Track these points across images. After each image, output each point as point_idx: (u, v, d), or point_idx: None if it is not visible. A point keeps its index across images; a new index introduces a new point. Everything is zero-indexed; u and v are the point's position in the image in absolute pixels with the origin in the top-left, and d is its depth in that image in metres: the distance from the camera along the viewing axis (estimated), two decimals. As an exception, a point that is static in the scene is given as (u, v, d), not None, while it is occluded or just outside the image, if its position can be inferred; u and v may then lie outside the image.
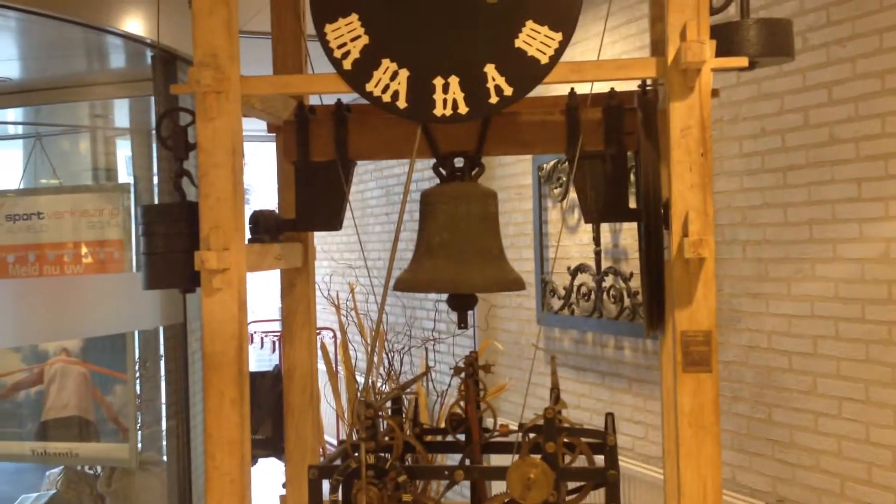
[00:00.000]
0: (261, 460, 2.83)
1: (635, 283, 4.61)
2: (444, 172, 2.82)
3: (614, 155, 2.74)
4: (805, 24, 3.45)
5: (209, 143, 2.46)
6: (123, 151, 5.26)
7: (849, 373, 3.34)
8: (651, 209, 2.47)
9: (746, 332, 3.81)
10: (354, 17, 2.52)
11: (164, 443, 4.48)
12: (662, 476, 3.96)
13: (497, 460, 2.40)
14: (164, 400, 4.43)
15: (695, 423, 2.13)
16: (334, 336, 7.88)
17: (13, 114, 5.38)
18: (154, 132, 4.50)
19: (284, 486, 6.53)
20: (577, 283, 5.06)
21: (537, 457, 2.17)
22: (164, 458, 4.49)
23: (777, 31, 2.59)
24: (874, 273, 3.20)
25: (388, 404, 2.62)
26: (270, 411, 3.03)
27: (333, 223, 2.80)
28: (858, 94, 3.24)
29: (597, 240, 4.86)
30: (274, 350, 10.67)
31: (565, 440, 2.29)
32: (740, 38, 2.54)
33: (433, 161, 2.85)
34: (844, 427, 3.38)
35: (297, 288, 3.06)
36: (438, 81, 2.51)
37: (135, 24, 3.64)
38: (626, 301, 4.64)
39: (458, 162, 2.82)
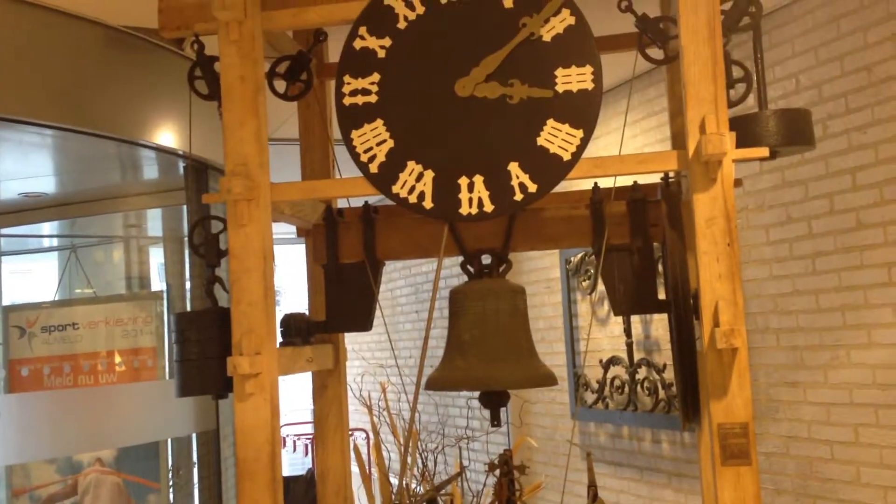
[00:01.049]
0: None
1: (669, 375, 4.56)
2: (471, 270, 2.84)
3: (641, 247, 2.75)
4: (825, 112, 3.49)
5: (240, 250, 2.51)
6: (156, 259, 5.34)
7: (892, 461, 3.25)
8: (680, 300, 2.47)
9: (785, 421, 3.74)
10: (380, 122, 2.60)
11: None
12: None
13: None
14: (198, 506, 4.38)
15: (737, 518, 2.09)
16: (367, 437, 7.81)
17: (49, 227, 5.50)
18: (186, 239, 4.58)
19: None
20: (609, 375, 5.01)
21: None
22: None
23: (796, 120, 2.62)
24: (912, 357, 3.16)
25: (423, 507, 2.59)
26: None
27: (364, 324, 2.82)
28: (883, 178, 3.25)
29: (628, 331, 4.83)
30: (307, 453, 10.56)
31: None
32: (760, 128, 2.57)
33: (461, 258, 2.89)
34: (893, 518, 3.28)
35: (328, 390, 3.06)
36: (463, 181, 2.56)
37: (167, 136, 3.76)
38: (661, 393, 4.58)
39: (486, 259, 2.85)
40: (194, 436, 4.19)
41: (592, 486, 2.45)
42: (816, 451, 3.57)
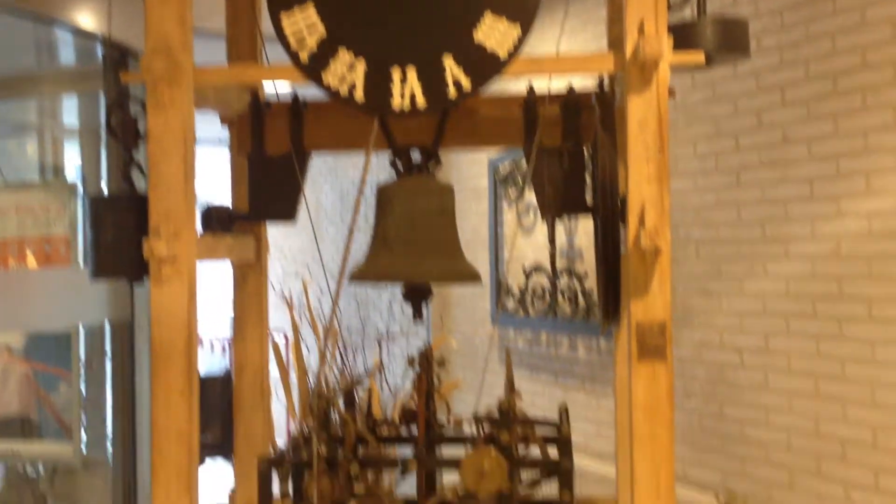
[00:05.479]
0: (208, 461, 2.76)
1: (590, 284, 4.63)
2: (400, 166, 2.80)
3: (571, 150, 2.74)
4: (759, 27, 3.50)
5: (160, 132, 2.42)
6: (71, 154, 5.17)
7: (799, 368, 3.38)
8: (608, 203, 2.47)
9: (699, 329, 3.84)
10: (311, 7, 2.50)
11: (109, 443, 4.39)
12: (614, 471, 3.98)
13: (450, 453, 2.39)
14: (109, 400, 4.34)
15: (649, 412, 2.14)
16: (286, 339, 7.80)
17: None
18: (102, 130, 4.43)
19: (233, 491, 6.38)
20: (532, 283, 5.07)
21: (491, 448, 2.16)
22: (109, 458, 4.40)
23: (733, 29, 2.62)
24: (825, 270, 3.25)
25: (341, 398, 2.59)
26: (219, 414, 2.97)
27: (288, 214, 2.76)
28: (810, 95, 3.29)
29: (552, 240, 4.87)
30: (224, 354, 10.56)
31: (519, 432, 2.28)
32: (697, 35, 2.57)
33: (389, 162, 2.83)
34: (794, 421, 3.42)
35: (249, 283, 3.01)
36: (396, 72, 2.49)
37: (85, 18, 3.58)
38: (581, 301, 4.65)
39: (415, 155, 2.80)
40: (108, 327, 4.12)
41: (510, 382, 2.48)
42: (727, 358, 3.69)
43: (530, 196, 5.18)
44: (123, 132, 2.66)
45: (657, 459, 2.09)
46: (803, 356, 3.36)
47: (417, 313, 2.62)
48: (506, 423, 2.21)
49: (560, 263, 4.87)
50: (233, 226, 2.79)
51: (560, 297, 4.84)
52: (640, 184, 2.32)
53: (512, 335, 5.32)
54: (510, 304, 5.28)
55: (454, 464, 2.20)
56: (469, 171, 5.71)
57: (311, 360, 4.67)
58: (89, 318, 4.07)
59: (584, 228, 4.73)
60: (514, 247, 5.18)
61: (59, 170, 5.24)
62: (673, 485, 2.07)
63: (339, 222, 7.94)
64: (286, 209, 2.75)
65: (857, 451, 3.18)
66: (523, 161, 5.14)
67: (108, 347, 4.24)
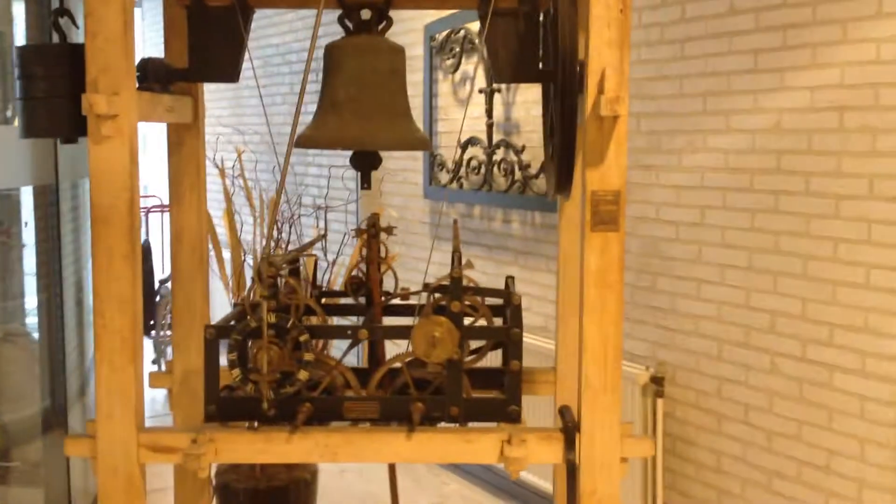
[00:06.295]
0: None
1: (527, 156, 4.61)
2: (350, 25, 2.68)
3: (528, 13, 2.66)
4: None
5: (95, -23, 2.24)
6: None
7: (733, 241, 3.45)
8: (567, 68, 2.41)
9: (635, 203, 3.88)
10: None
11: (32, 314, 4.27)
12: (546, 344, 4.06)
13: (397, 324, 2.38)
14: (30, 269, 4.20)
15: (600, 281, 2.16)
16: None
17: None
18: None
19: (154, 361, 6.31)
20: (467, 156, 5.03)
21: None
22: (35, 331, 4.29)
23: None
24: (765, 143, 3.28)
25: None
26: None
27: (230, 74, 2.63)
28: (761, -35, 3.26)
29: (489, 112, 4.81)
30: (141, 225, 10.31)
31: (468, 302, 2.28)
32: None
33: (337, 19, 2.70)
34: (726, 293, 3.52)
35: (185, 146, 2.90)
36: (347, -78, 2.35)
37: None
38: (517, 174, 4.64)
39: (365, 14, 2.69)
40: (30, 191, 3.94)
41: (457, 252, 2.46)
42: (662, 232, 3.75)
43: (466, 66, 5.07)
44: (49, -22, 2.47)
45: (606, 328, 2.13)
46: (738, 230, 3.43)
47: (365, 181, 2.56)
48: (457, 293, 2.20)
49: (497, 136, 4.82)
50: (171, 84, 2.65)
51: (496, 171, 4.81)
52: (600, 48, 2.27)
53: (444, 209, 5.31)
54: (443, 177, 5.24)
55: (404, 333, 2.19)
56: (404, 39, 5.54)
57: (244, 228, 4.59)
58: (9, 182, 3.88)
59: (522, 101, 4.67)
60: (463, 120, 5.09)
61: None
62: (620, 354, 2.11)
63: (263, 92, 7.70)
64: (228, 70, 2.62)
65: (786, 323, 3.30)
66: (462, 30, 5.01)
67: (30, 213, 4.06)
